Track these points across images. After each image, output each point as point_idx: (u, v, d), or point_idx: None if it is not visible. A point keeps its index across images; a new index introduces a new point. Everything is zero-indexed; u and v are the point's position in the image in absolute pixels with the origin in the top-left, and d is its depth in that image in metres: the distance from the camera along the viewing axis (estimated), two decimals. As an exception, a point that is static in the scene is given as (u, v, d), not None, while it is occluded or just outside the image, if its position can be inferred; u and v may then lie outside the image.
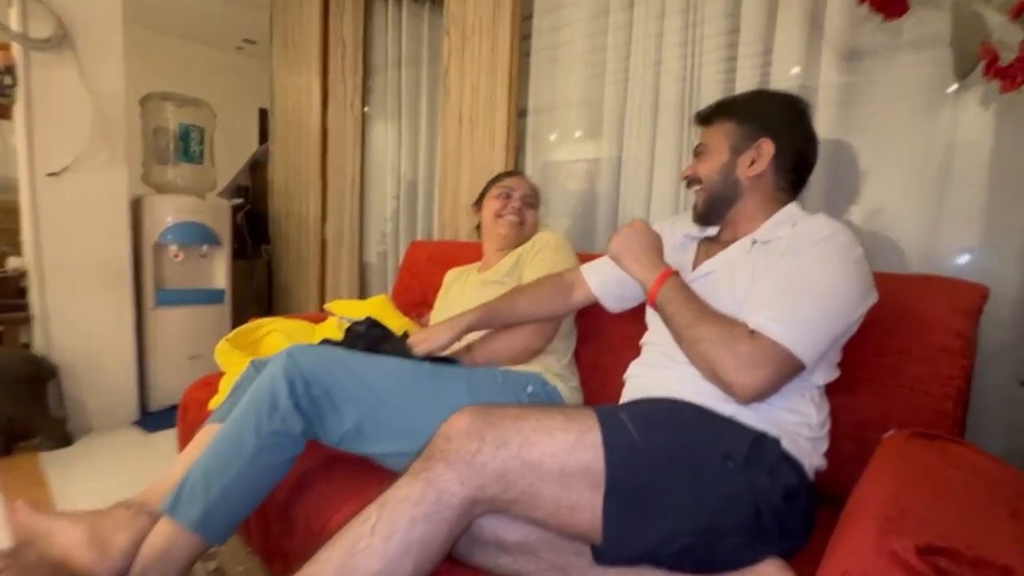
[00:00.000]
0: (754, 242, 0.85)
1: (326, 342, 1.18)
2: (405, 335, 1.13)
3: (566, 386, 1.14)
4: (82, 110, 1.87)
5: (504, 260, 1.31)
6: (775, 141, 0.86)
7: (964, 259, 1.09)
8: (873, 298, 0.78)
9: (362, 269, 2.59)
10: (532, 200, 1.40)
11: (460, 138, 1.96)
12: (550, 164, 1.85)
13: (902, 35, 1.11)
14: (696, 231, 0.98)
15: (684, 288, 0.81)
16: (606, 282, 1.10)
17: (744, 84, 1.32)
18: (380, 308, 1.50)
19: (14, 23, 1.74)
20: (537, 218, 1.42)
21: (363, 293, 2.59)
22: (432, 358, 1.07)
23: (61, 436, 1.88)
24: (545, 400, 1.07)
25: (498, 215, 1.36)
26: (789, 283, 0.75)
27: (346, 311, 1.50)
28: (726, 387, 0.74)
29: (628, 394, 0.93)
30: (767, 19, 1.28)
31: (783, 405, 0.77)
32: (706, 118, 0.95)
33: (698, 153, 0.95)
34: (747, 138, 0.88)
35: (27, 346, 1.96)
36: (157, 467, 0.97)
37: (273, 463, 0.85)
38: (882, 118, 1.16)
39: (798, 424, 0.77)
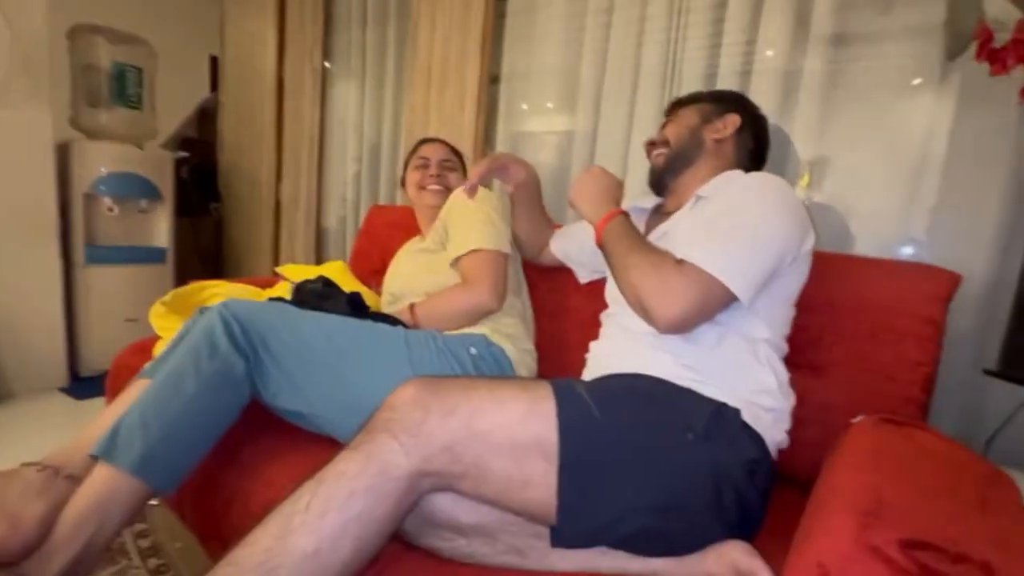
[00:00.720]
0: (698, 198, 0.86)
1: (274, 300, 1.10)
2: (355, 295, 1.08)
3: (516, 347, 1.06)
4: (-3, 38, 1.66)
5: (436, 226, 1.22)
6: (741, 117, 0.92)
7: (931, 245, 1.10)
8: (812, 238, 0.79)
9: (319, 234, 2.45)
10: (452, 164, 1.34)
11: (428, 98, 1.85)
12: (522, 135, 1.77)
13: (889, 19, 1.09)
14: (644, 203, 1.02)
15: (628, 226, 0.82)
16: (564, 238, 1.17)
17: (729, 60, 1.28)
18: (337, 274, 1.41)
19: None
20: (462, 179, 1.34)
21: (320, 259, 2.46)
22: (375, 315, 1.02)
23: (-25, 401, 1.72)
24: (491, 361, 1.01)
25: (420, 187, 1.30)
26: (717, 220, 0.76)
27: (300, 276, 1.40)
28: (649, 313, 0.73)
29: (587, 374, 0.91)
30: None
31: (739, 374, 0.76)
32: (680, 102, 1.00)
33: (667, 123, 0.99)
34: (717, 112, 0.94)
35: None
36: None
37: (216, 407, 0.80)
38: (860, 103, 1.15)
39: (757, 392, 0.76)
